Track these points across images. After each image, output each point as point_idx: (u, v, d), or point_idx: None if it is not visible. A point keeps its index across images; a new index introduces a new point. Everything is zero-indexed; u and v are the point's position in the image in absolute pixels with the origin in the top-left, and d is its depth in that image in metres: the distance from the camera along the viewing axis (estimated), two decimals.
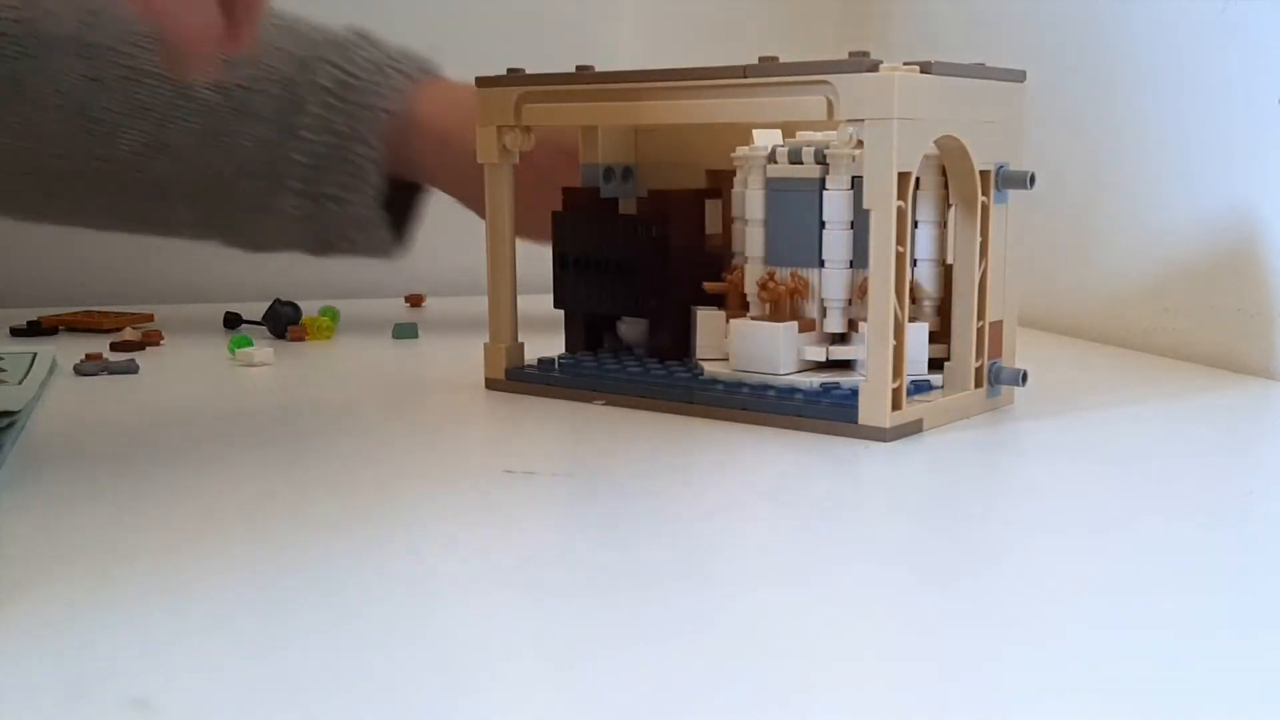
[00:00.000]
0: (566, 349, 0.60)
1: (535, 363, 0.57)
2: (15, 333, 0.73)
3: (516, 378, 0.56)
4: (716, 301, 0.56)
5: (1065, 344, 0.71)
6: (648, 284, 0.56)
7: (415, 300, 0.86)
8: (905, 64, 0.46)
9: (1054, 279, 0.76)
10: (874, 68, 0.45)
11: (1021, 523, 0.39)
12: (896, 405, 0.47)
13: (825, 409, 0.49)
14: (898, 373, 0.47)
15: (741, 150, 0.54)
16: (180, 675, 0.27)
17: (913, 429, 0.48)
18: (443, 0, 0.91)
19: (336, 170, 0.70)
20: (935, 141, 0.48)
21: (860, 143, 0.46)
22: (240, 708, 0.25)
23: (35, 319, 0.75)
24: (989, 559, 0.35)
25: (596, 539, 0.36)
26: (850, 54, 0.46)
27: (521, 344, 0.57)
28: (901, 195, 0.46)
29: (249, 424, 0.51)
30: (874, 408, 0.47)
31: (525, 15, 0.92)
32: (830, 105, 0.46)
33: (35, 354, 0.60)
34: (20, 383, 0.54)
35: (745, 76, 0.48)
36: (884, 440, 0.47)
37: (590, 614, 0.30)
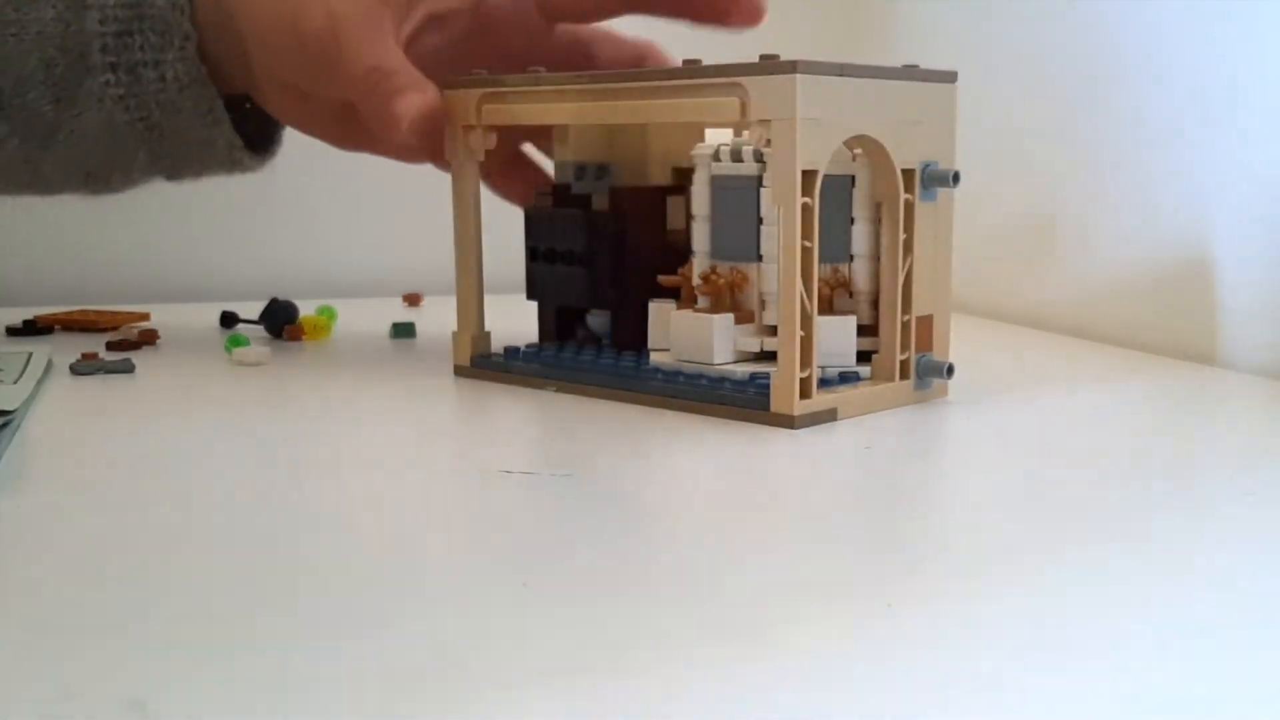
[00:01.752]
0: (540, 339, 0.62)
1: (502, 351, 0.60)
2: (11, 332, 0.72)
3: (481, 365, 0.59)
4: (675, 294, 0.58)
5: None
6: (607, 277, 0.59)
7: (413, 299, 0.86)
8: (813, 65, 0.48)
9: (1037, 274, 0.77)
10: (781, 70, 0.47)
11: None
12: (806, 394, 0.49)
13: (750, 398, 0.50)
14: (806, 363, 0.49)
15: (697, 148, 0.56)
16: (177, 676, 0.27)
17: (826, 417, 0.50)
18: None
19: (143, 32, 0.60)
20: (855, 141, 0.50)
21: (769, 141, 0.48)
22: (237, 709, 0.25)
23: (31, 318, 0.74)
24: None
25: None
26: (761, 56, 0.48)
27: (488, 333, 0.60)
28: (807, 192, 0.47)
29: (246, 424, 0.51)
30: (784, 396, 0.49)
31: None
32: (743, 106, 0.48)
33: (31, 353, 0.60)
34: (15, 382, 0.54)
35: (671, 79, 0.51)
36: (792, 427, 0.48)
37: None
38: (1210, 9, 0.64)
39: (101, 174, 0.65)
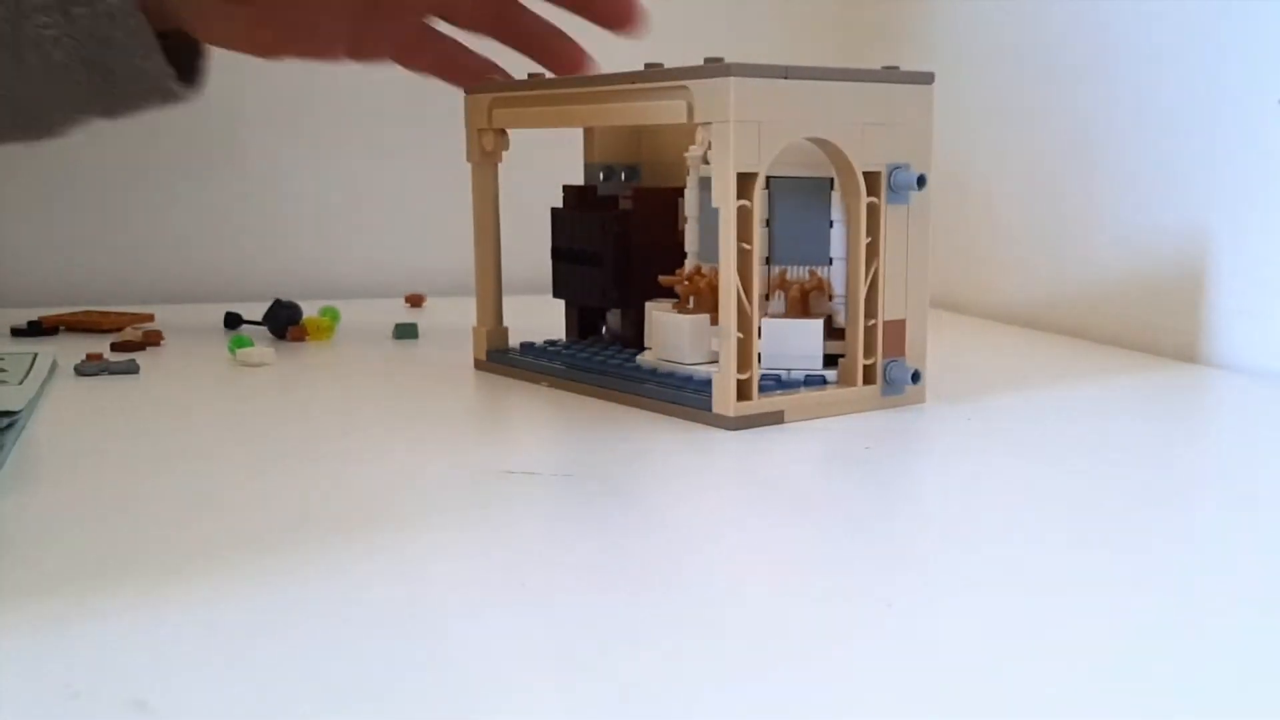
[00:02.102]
0: (566, 336, 0.64)
1: (518, 347, 0.62)
2: (16, 333, 0.73)
3: (495, 359, 0.62)
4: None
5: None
6: (613, 276, 0.60)
7: (415, 300, 0.86)
8: (750, 68, 0.48)
9: (1030, 273, 0.75)
10: (717, 73, 0.48)
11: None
12: (745, 396, 0.49)
13: (706, 399, 0.51)
14: (745, 365, 0.49)
15: (689, 150, 0.57)
16: (179, 677, 0.27)
17: (770, 420, 0.50)
18: None
19: None
20: (815, 142, 0.50)
21: (710, 145, 0.48)
22: (238, 709, 0.25)
23: (36, 319, 0.75)
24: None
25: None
26: (706, 60, 0.48)
27: (505, 328, 0.62)
28: (744, 194, 0.48)
29: (249, 424, 0.51)
30: (722, 398, 0.49)
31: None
32: (690, 109, 0.49)
33: (36, 354, 0.60)
34: (21, 383, 0.54)
35: (634, 82, 0.51)
36: (730, 429, 0.49)
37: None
38: (1208, 8, 0.62)
39: (42, 117, 0.67)
